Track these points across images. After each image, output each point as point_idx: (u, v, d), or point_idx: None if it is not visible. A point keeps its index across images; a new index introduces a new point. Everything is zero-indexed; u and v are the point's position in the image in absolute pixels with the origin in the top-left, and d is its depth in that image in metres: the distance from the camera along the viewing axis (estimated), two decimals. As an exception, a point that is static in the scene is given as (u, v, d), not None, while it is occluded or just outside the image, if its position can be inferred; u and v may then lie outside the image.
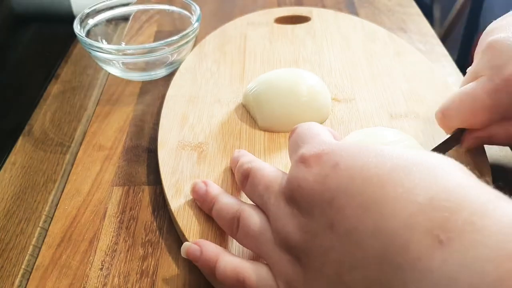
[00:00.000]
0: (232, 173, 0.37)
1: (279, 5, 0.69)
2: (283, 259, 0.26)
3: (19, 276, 0.34)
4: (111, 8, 0.56)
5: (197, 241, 0.31)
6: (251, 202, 0.31)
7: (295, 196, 0.26)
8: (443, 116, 0.36)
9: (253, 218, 0.29)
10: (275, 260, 0.26)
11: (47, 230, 0.36)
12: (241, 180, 0.32)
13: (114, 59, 0.50)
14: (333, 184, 0.24)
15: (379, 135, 0.36)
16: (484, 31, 0.37)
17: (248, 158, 0.33)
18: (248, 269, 0.27)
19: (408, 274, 0.20)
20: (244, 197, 0.34)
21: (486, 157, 0.38)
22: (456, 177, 0.21)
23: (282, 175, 0.29)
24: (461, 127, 0.36)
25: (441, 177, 0.21)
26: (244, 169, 0.31)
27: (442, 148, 0.37)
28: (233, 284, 0.27)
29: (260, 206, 0.29)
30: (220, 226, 0.32)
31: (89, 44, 0.49)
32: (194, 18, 0.53)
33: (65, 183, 0.40)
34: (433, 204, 0.20)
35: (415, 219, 0.20)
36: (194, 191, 0.35)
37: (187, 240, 0.33)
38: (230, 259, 0.28)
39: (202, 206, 0.34)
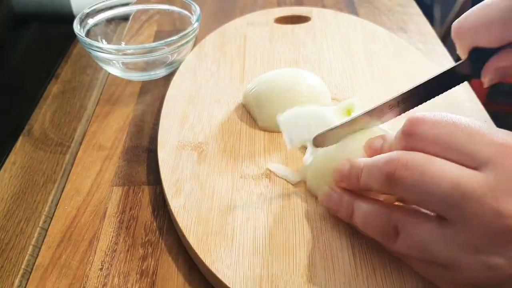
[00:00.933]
0: (232, 174, 0.37)
1: (279, 5, 0.69)
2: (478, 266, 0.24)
3: (19, 276, 0.34)
4: (111, 8, 0.56)
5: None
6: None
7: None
8: (457, 29, 0.31)
9: (420, 227, 0.26)
10: (465, 267, 0.25)
11: (47, 230, 0.36)
12: (389, 178, 0.27)
13: (114, 59, 0.50)
14: None
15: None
16: None
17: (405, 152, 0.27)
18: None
19: None
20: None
21: None
22: None
23: (466, 170, 0.25)
24: (475, 45, 0.31)
25: None
26: (393, 162, 0.27)
27: (452, 77, 0.32)
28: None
29: (437, 211, 0.26)
30: (369, 234, 0.30)
31: (89, 44, 0.49)
32: (194, 18, 0.53)
33: (65, 183, 0.40)
34: None
35: None
36: (326, 201, 0.33)
37: (187, 240, 0.33)
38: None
39: (339, 215, 0.32)
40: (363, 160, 0.30)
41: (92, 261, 0.34)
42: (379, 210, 0.28)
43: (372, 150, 0.31)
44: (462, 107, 0.45)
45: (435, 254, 0.26)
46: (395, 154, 0.27)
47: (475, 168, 0.25)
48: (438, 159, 0.26)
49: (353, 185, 0.31)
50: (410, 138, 0.27)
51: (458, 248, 0.25)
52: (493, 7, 0.30)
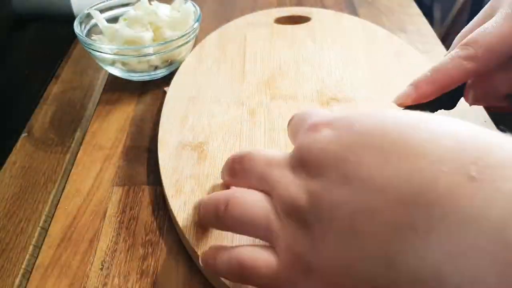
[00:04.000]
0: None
1: (279, 5, 0.69)
2: (287, 229, 0.25)
3: (19, 276, 0.34)
4: (111, 8, 0.56)
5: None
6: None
7: (305, 160, 0.25)
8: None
9: (248, 196, 0.27)
10: (279, 233, 0.25)
11: (47, 230, 0.36)
12: (232, 168, 0.30)
13: (114, 59, 0.50)
14: (349, 140, 0.23)
15: None
16: None
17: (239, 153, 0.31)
18: (247, 252, 0.26)
19: (435, 211, 0.19)
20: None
21: None
22: (474, 127, 0.21)
23: (284, 152, 0.28)
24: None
25: (461, 126, 0.21)
26: (238, 156, 0.30)
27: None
28: (236, 274, 0.26)
29: (259, 186, 0.28)
30: (202, 221, 0.32)
31: (89, 44, 0.49)
32: (194, 18, 0.53)
33: (65, 183, 0.40)
34: (462, 146, 0.20)
35: (444, 157, 0.20)
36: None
37: (187, 240, 0.33)
38: (226, 253, 0.27)
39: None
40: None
41: (93, 261, 0.34)
42: (216, 194, 0.30)
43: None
44: (462, 107, 0.45)
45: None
46: (218, 196, 0.30)
47: (267, 192, 0.27)
48: (244, 190, 0.29)
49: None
50: (233, 178, 0.31)
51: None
52: (503, 32, 0.33)
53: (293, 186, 0.25)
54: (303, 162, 0.25)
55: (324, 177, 0.23)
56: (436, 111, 0.36)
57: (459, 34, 0.37)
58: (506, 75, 0.35)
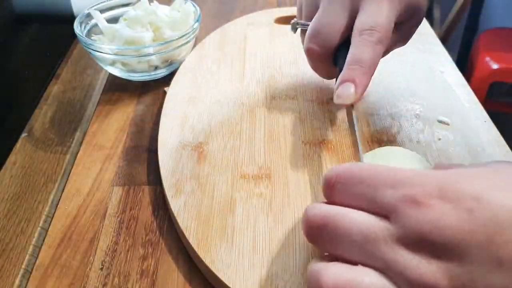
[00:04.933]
0: (232, 174, 0.37)
1: (279, 5, 0.69)
2: None
3: (19, 276, 0.34)
4: (111, 8, 0.56)
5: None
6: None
7: (431, 241, 0.22)
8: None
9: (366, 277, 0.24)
10: None
11: (47, 230, 0.36)
12: (316, 234, 0.26)
13: (114, 59, 0.50)
14: (485, 217, 0.22)
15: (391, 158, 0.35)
16: None
17: (320, 209, 0.27)
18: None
19: None
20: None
21: None
22: None
23: (375, 220, 0.25)
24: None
25: None
26: (316, 219, 0.26)
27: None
28: None
29: (356, 257, 0.25)
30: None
31: (90, 44, 0.49)
32: (194, 18, 0.53)
33: (65, 183, 0.40)
34: None
35: None
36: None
37: (187, 240, 0.33)
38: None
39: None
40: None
41: (93, 261, 0.34)
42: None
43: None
44: (462, 107, 0.45)
45: None
46: (311, 213, 0.27)
47: (384, 216, 0.25)
48: (351, 210, 0.26)
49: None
50: (330, 199, 0.27)
51: None
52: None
53: (424, 268, 0.22)
54: (428, 242, 0.23)
55: (468, 260, 0.22)
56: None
57: (313, 27, 0.39)
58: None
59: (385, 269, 0.24)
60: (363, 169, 0.26)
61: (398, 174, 0.25)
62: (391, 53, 0.52)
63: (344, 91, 0.35)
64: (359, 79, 0.35)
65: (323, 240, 0.26)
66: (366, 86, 0.36)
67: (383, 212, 0.25)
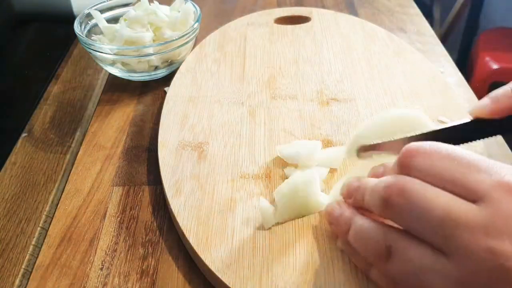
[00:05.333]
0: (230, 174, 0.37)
1: (279, 5, 0.69)
2: None
3: (20, 276, 0.34)
4: (111, 8, 0.56)
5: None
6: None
7: None
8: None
9: (414, 252, 0.25)
10: None
11: (47, 230, 0.36)
12: (391, 200, 0.26)
13: (114, 59, 0.50)
14: None
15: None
16: None
17: (396, 178, 0.26)
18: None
19: None
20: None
21: None
22: None
23: (461, 201, 0.24)
24: None
25: None
26: (389, 188, 0.26)
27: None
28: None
29: (430, 240, 0.24)
30: (360, 251, 0.28)
31: (89, 44, 0.49)
32: (194, 18, 0.53)
33: (65, 183, 0.40)
34: None
35: None
36: (328, 213, 0.31)
37: (187, 240, 0.33)
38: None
39: (337, 229, 0.31)
40: (370, 180, 0.29)
41: (93, 261, 0.34)
42: (375, 227, 0.27)
43: (375, 177, 0.30)
44: (462, 107, 0.45)
45: (426, 284, 0.24)
46: (392, 179, 0.26)
47: (472, 199, 0.24)
48: (433, 187, 0.25)
49: (358, 203, 0.30)
50: (405, 170, 0.27)
51: (451, 282, 0.23)
52: None
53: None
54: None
55: None
56: (497, 134, 0.32)
57: None
58: None
59: (452, 252, 0.23)
60: (451, 146, 0.26)
61: (487, 160, 0.25)
62: (391, 53, 0.53)
63: (478, 103, 0.32)
64: (500, 98, 0.31)
65: (400, 209, 0.25)
66: (502, 109, 0.31)
67: (471, 195, 0.24)
